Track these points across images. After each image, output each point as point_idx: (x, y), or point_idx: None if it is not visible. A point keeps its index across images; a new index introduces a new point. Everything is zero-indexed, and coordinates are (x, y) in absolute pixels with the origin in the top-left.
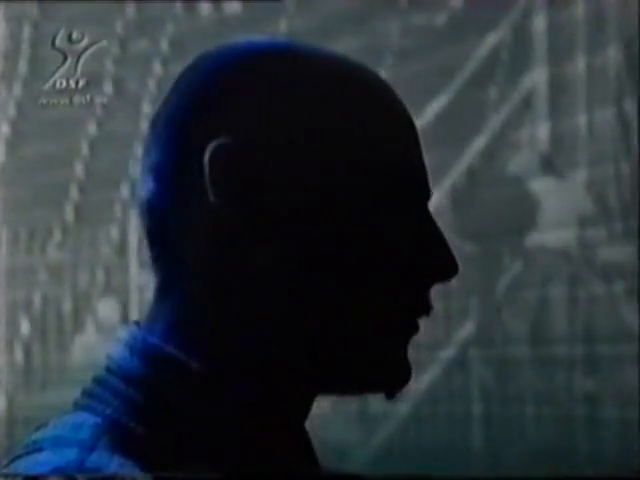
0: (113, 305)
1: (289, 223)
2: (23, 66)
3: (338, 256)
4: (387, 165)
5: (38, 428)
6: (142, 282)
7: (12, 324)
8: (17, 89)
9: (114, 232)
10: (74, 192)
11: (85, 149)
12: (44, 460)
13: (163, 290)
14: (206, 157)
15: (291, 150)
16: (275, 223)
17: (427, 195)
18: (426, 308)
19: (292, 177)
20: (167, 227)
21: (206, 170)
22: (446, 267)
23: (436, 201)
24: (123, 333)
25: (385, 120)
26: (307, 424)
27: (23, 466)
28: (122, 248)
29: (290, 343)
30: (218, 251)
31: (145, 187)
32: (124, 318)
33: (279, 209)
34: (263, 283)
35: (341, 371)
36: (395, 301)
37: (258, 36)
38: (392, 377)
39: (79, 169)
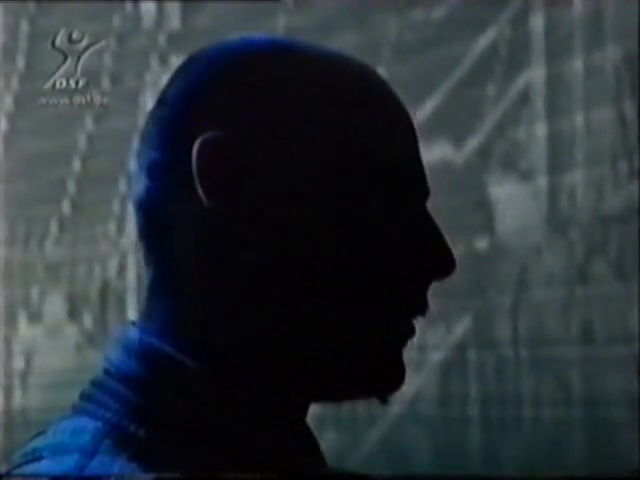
0: (57, 300)
1: (279, 220)
2: (21, 62)
3: (333, 255)
4: (383, 162)
5: (37, 435)
6: (139, 279)
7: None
8: (15, 84)
9: (112, 228)
10: (72, 188)
11: (83, 145)
12: (44, 469)
13: (156, 288)
14: (194, 150)
15: (281, 145)
16: (263, 220)
17: (425, 192)
18: (423, 307)
19: (283, 173)
20: (159, 225)
21: (194, 163)
22: (444, 264)
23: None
24: (120, 334)
25: (381, 118)
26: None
27: (23, 476)
28: (120, 244)
29: (285, 344)
30: (207, 248)
31: (139, 185)
32: (70, 313)
33: (267, 205)
34: (254, 282)
35: (338, 373)
36: (393, 300)
37: (253, 33)
38: (388, 381)
39: (77, 165)
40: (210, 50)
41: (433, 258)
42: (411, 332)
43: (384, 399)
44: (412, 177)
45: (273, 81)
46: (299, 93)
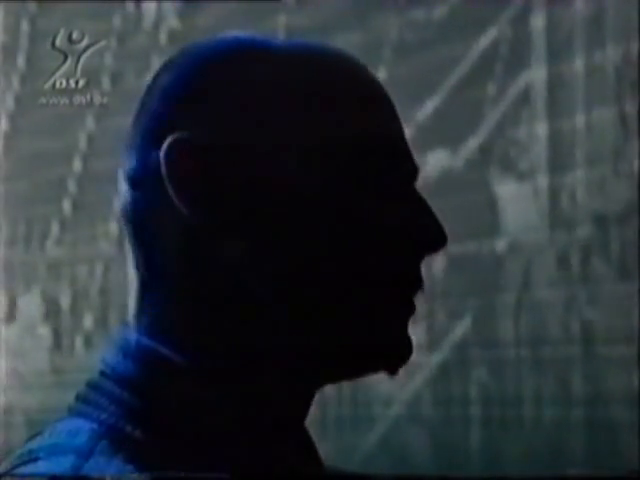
0: (35, 300)
1: (256, 213)
2: (21, 61)
3: (325, 242)
4: (366, 145)
5: (33, 437)
6: None
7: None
8: (15, 84)
9: (113, 228)
10: (72, 188)
11: (83, 145)
12: (40, 470)
13: (148, 290)
14: (161, 152)
15: (250, 143)
16: (238, 217)
17: (414, 170)
18: (419, 283)
19: (253, 169)
20: (144, 231)
21: (162, 164)
22: (435, 238)
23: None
24: (117, 335)
25: (359, 102)
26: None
27: (20, 476)
28: (121, 244)
29: (284, 335)
30: (184, 249)
31: (123, 193)
32: (46, 314)
33: (241, 202)
34: (237, 279)
35: (341, 356)
36: (387, 278)
37: (254, 33)
38: (392, 352)
39: (77, 165)
40: (180, 55)
41: (424, 233)
42: (412, 308)
43: (394, 371)
44: (397, 156)
45: (239, 82)
46: (269, 89)
